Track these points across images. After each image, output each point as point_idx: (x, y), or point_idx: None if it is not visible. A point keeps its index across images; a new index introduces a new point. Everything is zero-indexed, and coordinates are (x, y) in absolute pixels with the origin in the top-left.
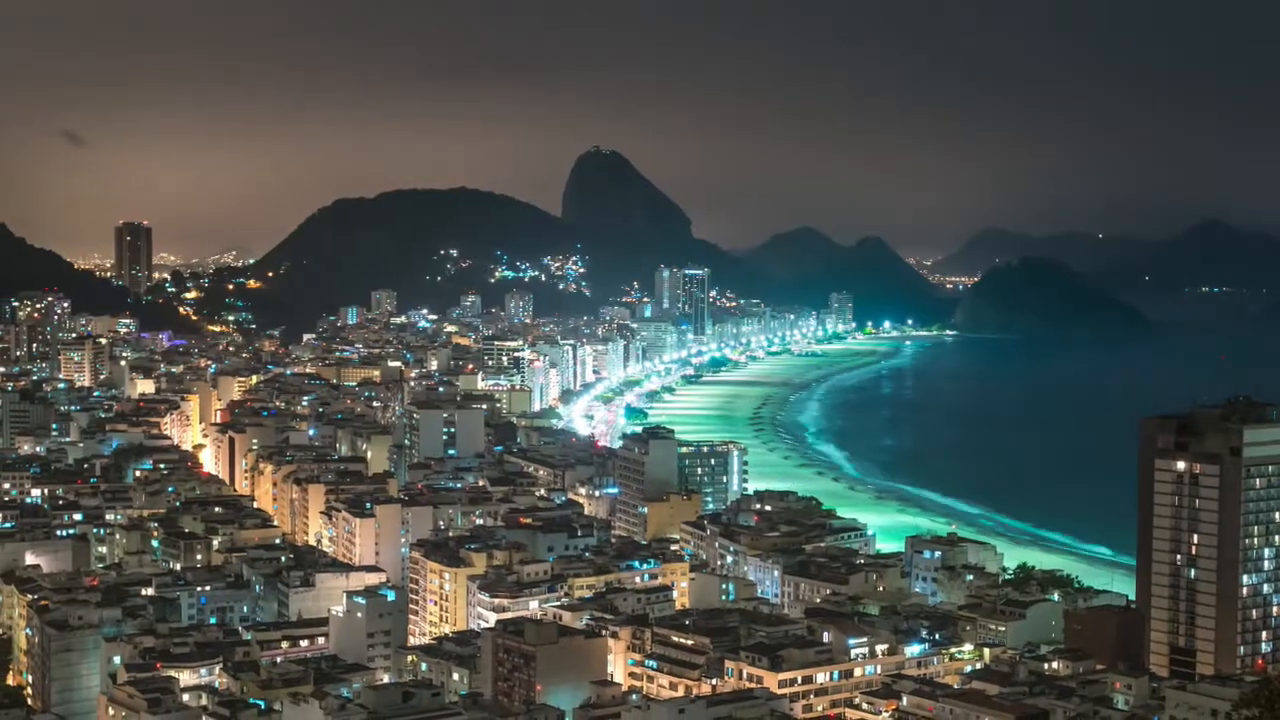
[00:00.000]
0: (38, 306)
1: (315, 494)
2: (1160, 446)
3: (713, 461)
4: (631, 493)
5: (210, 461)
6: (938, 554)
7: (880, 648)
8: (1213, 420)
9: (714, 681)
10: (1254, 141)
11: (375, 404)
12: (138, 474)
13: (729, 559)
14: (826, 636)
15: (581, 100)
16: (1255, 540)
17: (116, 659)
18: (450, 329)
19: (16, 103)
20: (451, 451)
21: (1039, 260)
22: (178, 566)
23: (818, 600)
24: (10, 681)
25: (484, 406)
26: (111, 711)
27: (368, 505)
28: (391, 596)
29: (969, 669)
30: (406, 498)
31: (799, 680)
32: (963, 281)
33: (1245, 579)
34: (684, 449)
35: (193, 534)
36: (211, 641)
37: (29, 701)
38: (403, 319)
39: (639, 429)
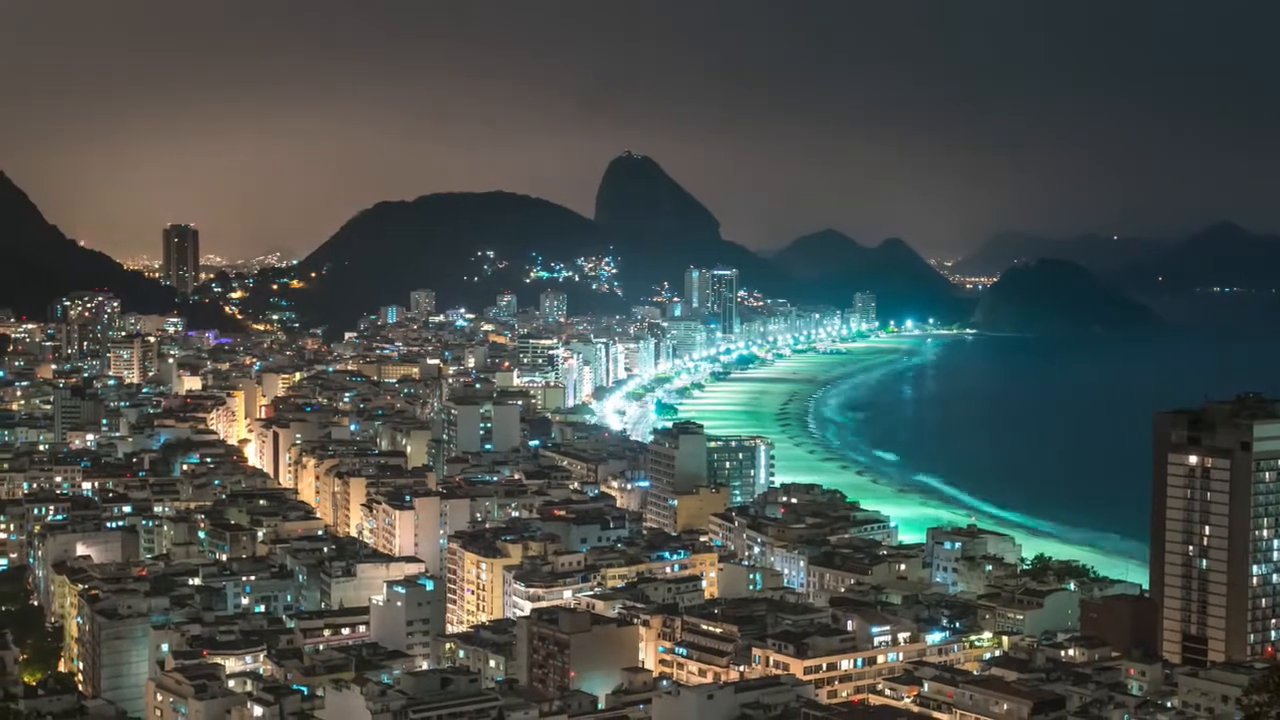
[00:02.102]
0: (88, 306)
1: (356, 487)
2: (1173, 441)
3: (740, 456)
4: (662, 486)
5: (255, 456)
6: (958, 545)
7: (902, 636)
8: (1224, 416)
9: (742, 668)
10: (1265, 146)
11: (414, 400)
12: (185, 468)
13: (756, 550)
14: (850, 625)
15: (614, 107)
16: (1265, 532)
17: (164, 646)
18: (487, 328)
19: (65, 109)
20: (488, 446)
21: (1056, 261)
22: (224, 557)
23: (842, 590)
24: (62, 668)
25: (519, 403)
26: (160, 697)
27: (407, 498)
28: (430, 586)
29: (988, 656)
30: (445, 491)
31: (824, 667)
32: (982, 282)
33: (1255, 569)
34: (713, 444)
35: (238, 526)
36: (256, 629)
37: (80, 687)
38: (441, 318)
39: (669, 424)
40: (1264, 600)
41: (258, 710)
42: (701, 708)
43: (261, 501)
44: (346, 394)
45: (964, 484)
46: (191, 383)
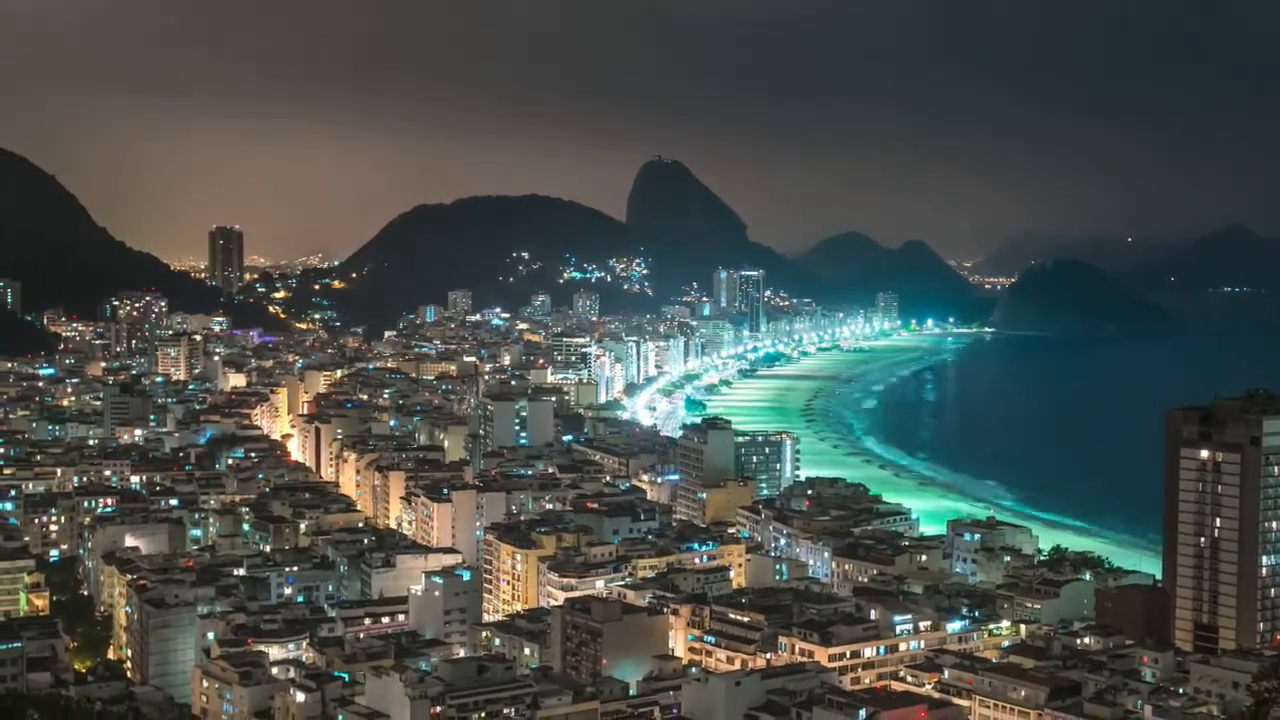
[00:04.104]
0: (137, 305)
1: (396, 480)
2: (1185, 436)
3: (767, 450)
4: (691, 479)
5: (297, 450)
6: (977, 536)
7: (924, 624)
8: (1234, 412)
9: (768, 656)
10: (1274, 150)
11: (451, 396)
12: (230, 462)
13: (782, 541)
14: (873, 614)
15: (644, 114)
16: (1274, 524)
17: (210, 635)
18: (522, 326)
19: (114, 118)
20: (523, 441)
21: (1072, 262)
22: (267, 548)
23: (865, 580)
24: (111, 655)
25: (553, 399)
26: (206, 683)
27: (445, 491)
28: (467, 576)
29: (1006, 644)
30: (481, 484)
31: (848, 655)
32: (1000, 282)
33: (1264, 560)
34: (740, 438)
35: (281, 518)
36: (299, 618)
37: (128, 674)
38: (477, 317)
39: (698, 420)
40: (1273, 590)
41: (300, 696)
42: (729, 694)
43: (304, 494)
44: (386, 390)
45: (983, 477)
46: (236, 380)
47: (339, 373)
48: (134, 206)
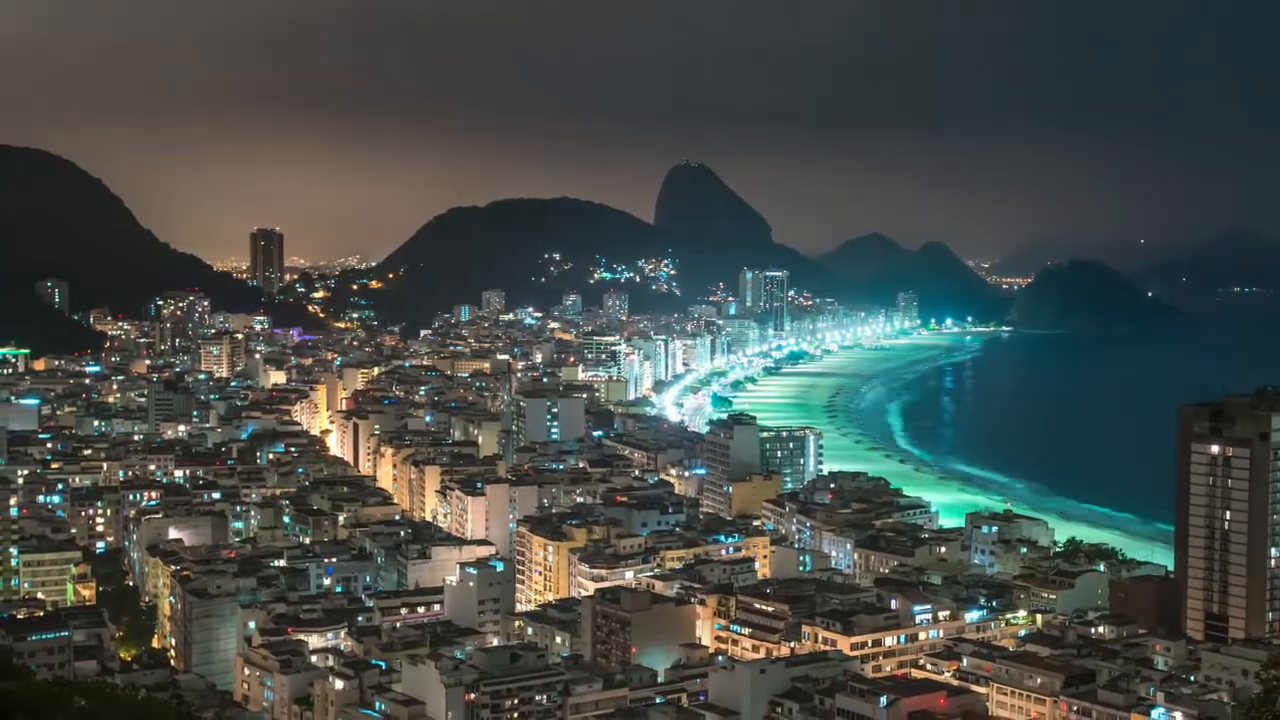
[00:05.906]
0: (180, 305)
1: (431, 475)
2: (1196, 432)
3: (791, 445)
4: (718, 473)
5: (336, 445)
6: (995, 529)
7: (943, 614)
8: (1244, 408)
9: (792, 644)
10: None
11: (485, 393)
12: (270, 456)
13: (806, 533)
14: (894, 604)
15: (672, 119)
16: None
17: (251, 624)
18: (553, 325)
19: (159, 126)
20: (554, 436)
21: (1086, 262)
22: (307, 540)
23: (886, 571)
24: (155, 644)
25: (584, 396)
26: (247, 671)
27: (479, 485)
28: (500, 568)
29: (1023, 633)
30: (514, 478)
31: (869, 643)
32: (1017, 282)
33: (1273, 551)
34: (765, 434)
35: (320, 511)
36: (337, 608)
37: (172, 662)
38: (510, 316)
39: (724, 416)
40: None
41: (339, 684)
42: (754, 681)
43: (342, 488)
44: (422, 387)
45: (1000, 472)
46: (277, 377)
47: (376, 370)
48: (178, 209)
